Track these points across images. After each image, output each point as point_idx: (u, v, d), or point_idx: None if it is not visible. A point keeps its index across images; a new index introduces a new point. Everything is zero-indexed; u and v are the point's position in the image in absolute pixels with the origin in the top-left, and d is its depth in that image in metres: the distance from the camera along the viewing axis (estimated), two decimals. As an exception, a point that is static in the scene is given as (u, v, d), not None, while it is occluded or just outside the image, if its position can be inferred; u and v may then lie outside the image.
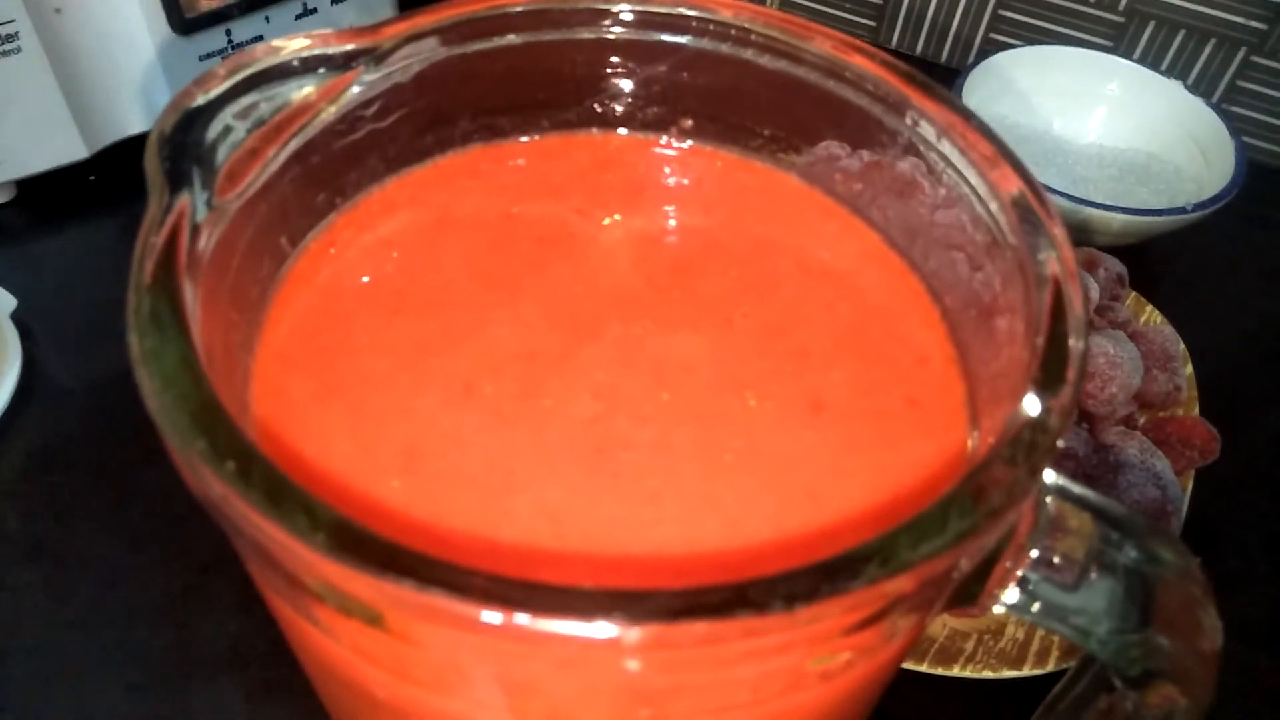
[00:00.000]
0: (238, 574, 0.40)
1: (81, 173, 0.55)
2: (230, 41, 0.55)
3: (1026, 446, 0.17)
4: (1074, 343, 0.18)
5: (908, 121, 0.24)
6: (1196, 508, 0.44)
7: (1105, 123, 0.63)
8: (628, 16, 0.26)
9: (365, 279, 0.25)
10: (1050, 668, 0.39)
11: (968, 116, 0.23)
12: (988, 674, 0.38)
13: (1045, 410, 0.17)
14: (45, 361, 0.48)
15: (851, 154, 0.27)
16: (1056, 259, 0.20)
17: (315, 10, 0.57)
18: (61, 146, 0.53)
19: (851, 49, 0.25)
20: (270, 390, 0.22)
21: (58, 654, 0.38)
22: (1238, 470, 0.46)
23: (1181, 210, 0.54)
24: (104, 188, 0.57)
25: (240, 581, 0.41)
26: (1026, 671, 0.38)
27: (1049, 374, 0.17)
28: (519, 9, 0.25)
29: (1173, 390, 0.48)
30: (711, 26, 0.26)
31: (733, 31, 0.26)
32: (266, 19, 0.56)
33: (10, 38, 0.48)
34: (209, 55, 0.55)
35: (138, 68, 0.53)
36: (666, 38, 0.26)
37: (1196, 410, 0.49)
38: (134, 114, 0.55)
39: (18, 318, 0.48)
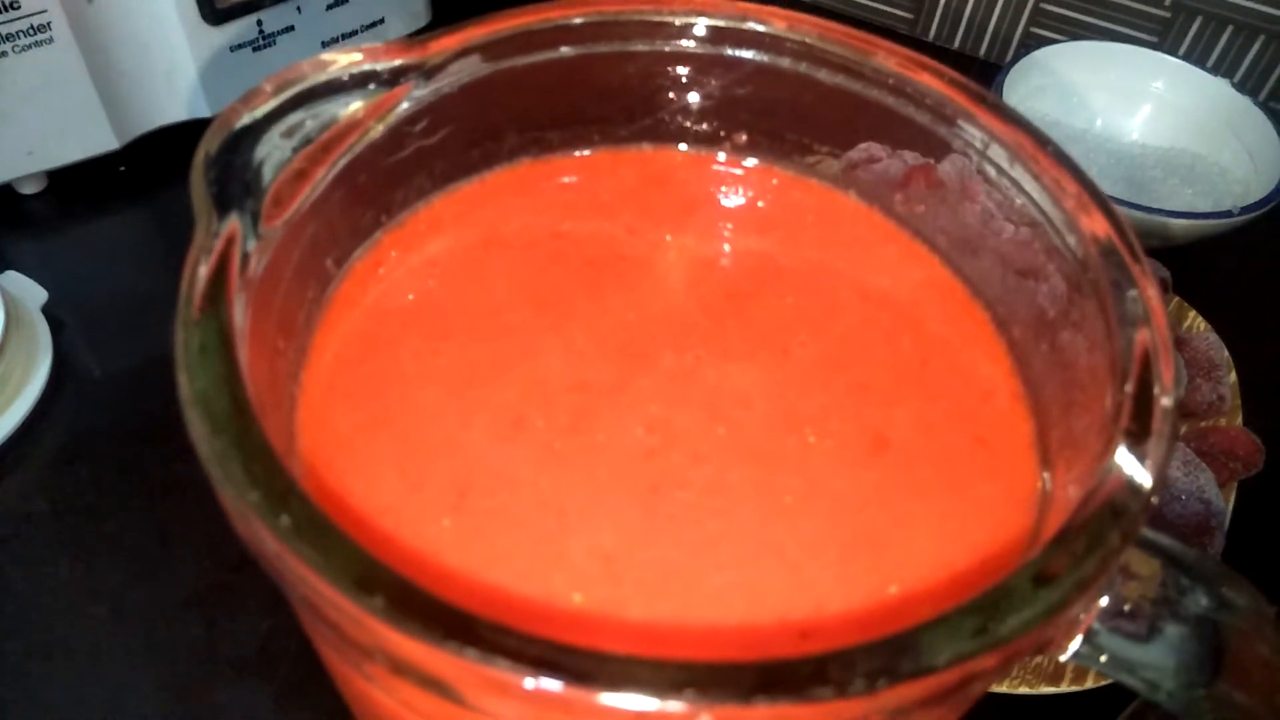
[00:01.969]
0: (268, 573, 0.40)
1: (112, 163, 0.55)
2: (261, 32, 0.54)
3: (1120, 509, 0.16)
4: (1165, 402, 0.17)
5: (976, 144, 0.23)
6: (1239, 520, 0.43)
7: (1149, 121, 0.62)
8: (686, 29, 0.25)
9: (412, 301, 0.24)
10: (1089, 684, 0.38)
11: (1042, 141, 0.22)
12: (1025, 690, 0.38)
13: (1138, 467, 0.16)
14: (76, 354, 0.48)
15: (900, 171, 0.26)
16: (1143, 300, 0.19)
17: (347, 1, 0.56)
18: (92, 137, 0.53)
19: (917, 65, 0.24)
20: (317, 421, 0.22)
21: (86, 649, 0.38)
22: (1280, 481, 0.45)
23: (1227, 214, 0.52)
24: (134, 179, 0.56)
25: (270, 580, 0.41)
26: (1065, 688, 0.38)
27: (1141, 426, 0.17)
28: (574, 21, 0.24)
29: (1216, 400, 0.47)
30: (769, 39, 0.25)
31: (792, 45, 0.25)
32: (298, 9, 0.55)
33: (42, 28, 0.48)
34: (240, 45, 0.54)
35: (169, 58, 0.53)
36: (723, 51, 0.25)
37: (1240, 419, 0.48)
38: (165, 105, 0.55)
39: (48, 310, 0.48)
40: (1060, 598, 0.15)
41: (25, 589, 0.40)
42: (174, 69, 0.53)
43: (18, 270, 0.49)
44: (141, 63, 0.52)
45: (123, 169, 0.56)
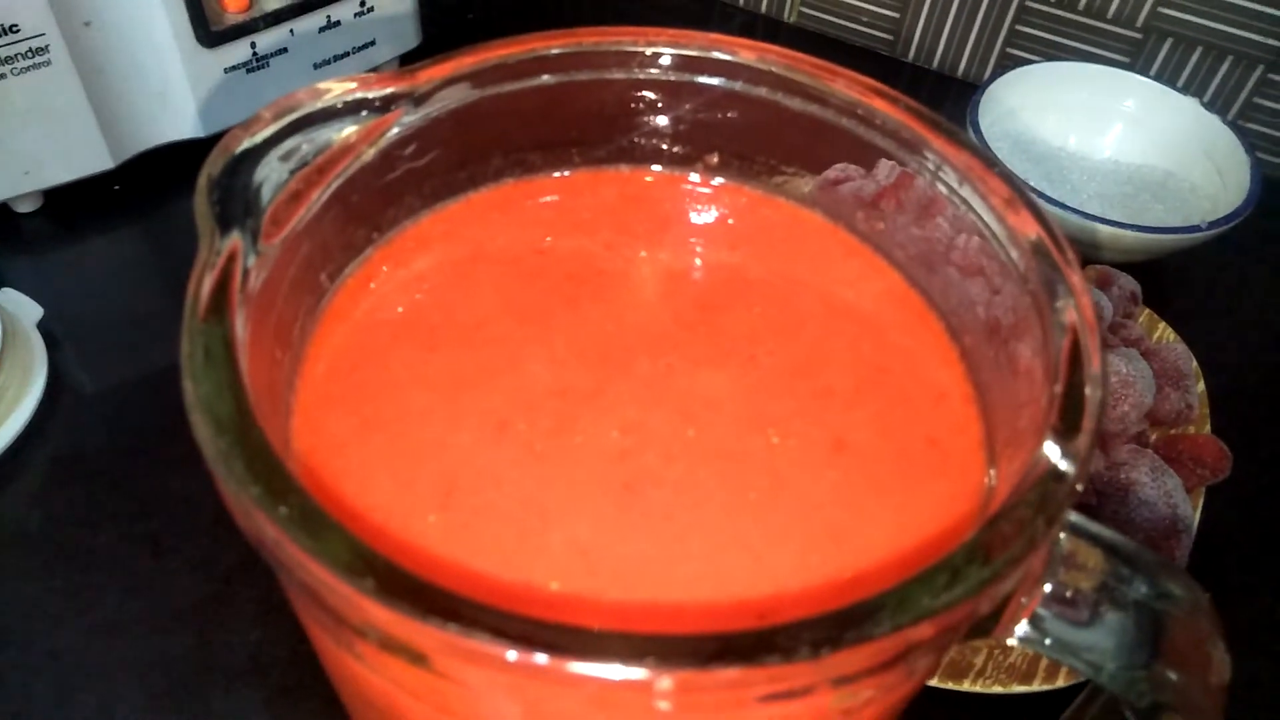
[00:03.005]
0: (260, 582, 0.41)
1: (106, 182, 0.56)
2: (255, 54, 0.56)
3: (1045, 495, 0.17)
4: (1091, 392, 0.18)
5: (930, 165, 0.25)
6: (1206, 525, 0.44)
7: (1121, 139, 0.63)
8: (658, 58, 0.27)
9: (402, 313, 0.26)
10: (1060, 683, 0.39)
11: (989, 162, 0.23)
12: (998, 689, 0.39)
13: (1064, 458, 0.18)
14: (70, 370, 0.49)
15: (873, 192, 0.28)
16: (1074, 308, 0.20)
17: (339, 23, 0.58)
18: (88, 157, 0.54)
19: (874, 92, 0.25)
20: (311, 426, 0.23)
21: (80, 661, 0.39)
22: (1248, 487, 0.46)
23: (1196, 228, 0.54)
24: (129, 197, 0.57)
25: (262, 590, 0.42)
26: (1036, 687, 0.39)
27: (1067, 422, 0.18)
28: (554, 51, 0.25)
29: (1185, 409, 0.48)
30: (738, 68, 0.27)
31: (758, 73, 0.27)
32: (291, 32, 0.56)
33: (40, 50, 0.49)
34: (234, 67, 0.55)
35: (164, 80, 0.54)
36: (695, 78, 0.27)
37: (1208, 428, 0.49)
38: (160, 125, 0.56)
39: (43, 326, 0.49)
40: (990, 573, 0.16)
41: (18, 602, 0.40)
42: (169, 90, 0.54)
43: (13, 287, 0.50)
44: (137, 84, 0.54)
45: (117, 188, 0.57)
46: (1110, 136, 0.63)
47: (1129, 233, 0.53)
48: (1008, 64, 0.66)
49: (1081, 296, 0.20)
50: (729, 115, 0.28)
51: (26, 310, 0.49)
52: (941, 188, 0.24)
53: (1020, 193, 0.22)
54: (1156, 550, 0.33)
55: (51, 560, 0.42)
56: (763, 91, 0.27)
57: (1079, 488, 0.17)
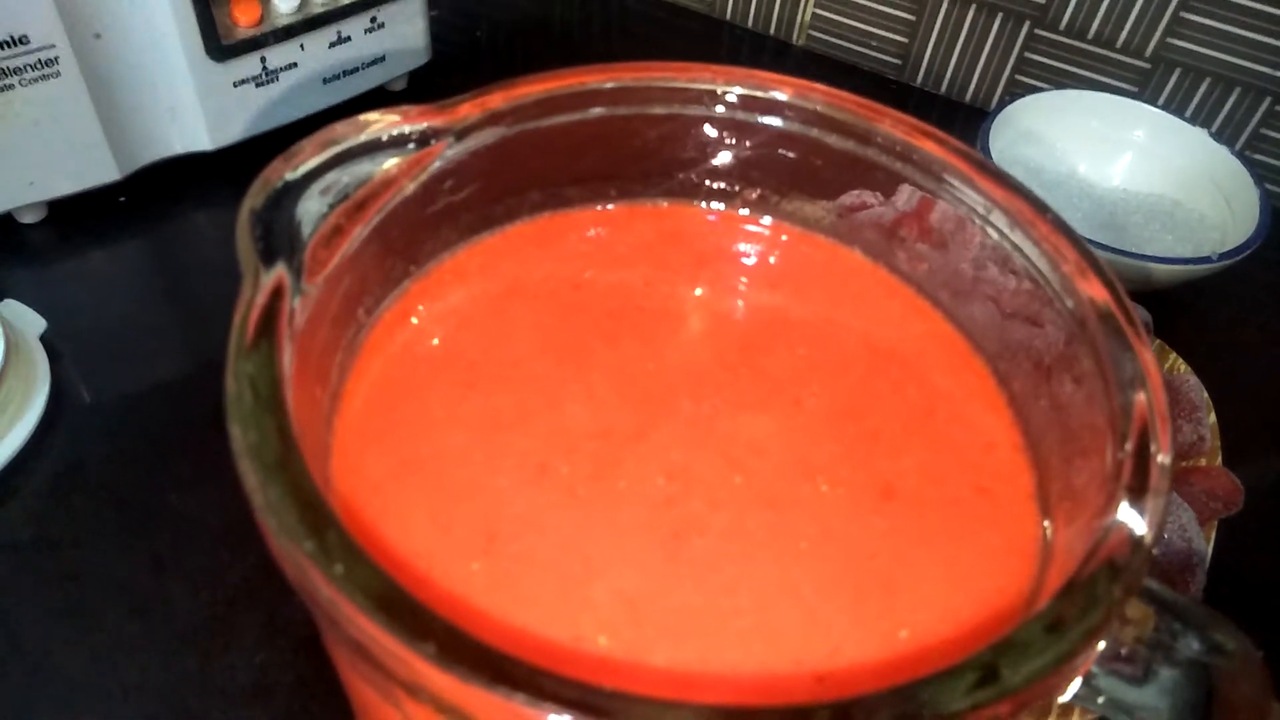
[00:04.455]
0: (264, 604, 0.41)
1: (112, 194, 0.55)
2: (265, 68, 0.55)
3: (1124, 563, 0.17)
4: (1163, 460, 0.18)
5: (979, 208, 0.24)
6: (1219, 558, 0.44)
7: (1130, 168, 0.63)
8: (701, 94, 0.26)
9: (438, 347, 0.25)
10: (1074, 720, 0.39)
11: (1041, 209, 0.23)
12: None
13: (1139, 522, 0.17)
14: (72, 383, 0.48)
15: (892, 218, 0.27)
16: (1142, 378, 0.20)
17: (349, 39, 0.57)
18: (94, 168, 0.53)
19: (922, 134, 0.25)
20: (350, 467, 0.22)
21: (80, 683, 0.38)
22: (1260, 519, 0.46)
23: (1207, 259, 0.54)
24: (134, 210, 0.56)
25: (267, 611, 0.41)
26: (1051, 724, 0.39)
27: (1140, 484, 0.18)
28: (596, 86, 0.25)
29: (1197, 440, 0.48)
30: (779, 105, 0.26)
31: (800, 110, 0.26)
32: (301, 46, 0.56)
33: (50, 62, 0.48)
34: (244, 81, 0.55)
35: (173, 92, 0.53)
36: (737, 115, 0.27)
37: (1220, 459, 0.49)
38: (168, 138, 0.55)
39: (46, 339, 0.48)
40: (1069, 647, 0.16)
41: (16, 621, 0.40)
42: (178, 103, 0.54)
43: (16, 299, 0.50)
44: (146, 96, 0.53)
45: (123, 200, 0.56)
46: (1120, 165, 0.63)
47: (1139, 262, 0.53)
48: (1016, 91, 0.66)
49: (1144, 354, 0.20)
50: (770, 152, 0.27)
51: (29, 322, 0.49)
52: (991, 231, 0.24)
53: (1078, 244, 0.22)
54: (1172, 586, 0.33)
55: (51, 578, 0.41)
56: (805, 129, 0.26)
57: (1155, 553, 0.17)
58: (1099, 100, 0.63)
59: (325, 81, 0.58)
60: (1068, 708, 0.39)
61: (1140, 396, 0.19)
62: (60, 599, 0.41)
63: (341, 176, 0.22)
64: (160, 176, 0.56)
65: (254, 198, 0.21)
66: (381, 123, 0.23)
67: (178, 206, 0.57)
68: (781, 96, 0.26)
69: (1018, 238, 0.23)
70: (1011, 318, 0.24)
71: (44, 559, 0.42)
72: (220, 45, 0.52)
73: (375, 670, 0.17)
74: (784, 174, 0.28)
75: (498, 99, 0.24)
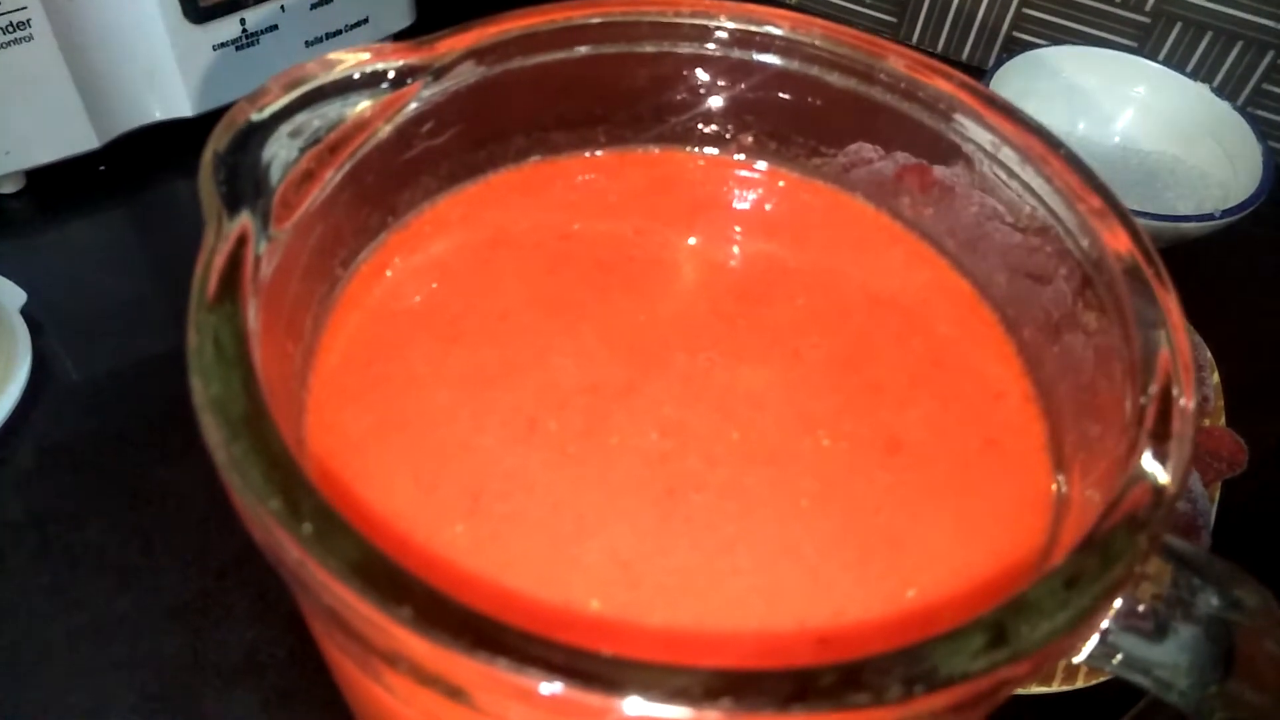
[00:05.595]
0: (255, 579, 0.40)
1: (91, 163, 0.54)
2: (244, 30, 0.54)
3: (1147, 515, 0.16)
4: (1185, 404, 0.17)
5: (986, 146, 0.23)
6: (1223, 518, 0.43)
7: (1131, 125, 0.62)
8: (690, 30, 0.25)
9: (419, 302, 0.24)
10: (1079, 684, 0.38)
11: (1054, 144, 0.22)
12: (1018, 690, 0.38)
13: (1163, 471, 0.16)
14: (55, 356, 0.47)
15: (892, 171, 0.26)
16: (1166, 327, 0.19)
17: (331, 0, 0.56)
18: (72, 136, 0.52)
19: (927, 68, 0.24)
20: (326, 425, 0.21)
21: (69, 660, 0.38)
22: (1264, 479, 0.45)
23: (1209, 216, 0.53)
24: (114, 178, 0.55)
25: (257, 587, 0.40)
26: (1056, 688, 0.38)
27: (1164, 432, 0.17)
28: (582, 21, 0.24)
29: (1200, 400, 0.47)
30: (777, 41, 0.25)
31: (799, 47, 0.25)
32: (282, 8, 0.54)
33: (22, 25, 0.47)
34: (223, 44, 0.53)
35: (151, 56, 0.52)
36: (732, 53, 0.25)
37: (1224, 420, 0.48)
38: (146, 104, 0.54)
39: (26, 312, 0.47)
40: (1088, 603, 0.15)
41: (4, 598, 0.39)
42: (156, 67, 0.52)
43: (-4, 271, 0.48)
44: (123, 61, 0.51)
45: (103, 168, 0.55)
46: (1120, 122, 0.62)
47: (1140, 220, 0.52)
48: (1014, 48, 0.64)
49: (1168, 299, 0.19)
50: (767, 93, 0.26)
51: (9, 295, 0.48)
52: (1000, 171, 0.23)
53: (1097, 185, 0.20)
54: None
55: (38, 555, 0.40)
56: (803, 67, 0.25)
57: (1178, 504, 0.16)
58: (1098, 56, 0.62)
59: (308, 44, 0.57)
60: (1073, 669, 0.38)
61: (1163, 340, 0.18)
62: (48, 575, 0.40)
63: (312, 119, 0.21)
64: (141, 144, 0.55)
65: (217, 140, 0.20)
66: (352, 60, 0.21)
67: (160, 175, 0.56)
68: (778, 31, 0.25)
69: (1028, 175, 0.22)
70: (1021, 263, 0.23)
71: (29, 536, 0.41)
72: (198, 7, 0.51)
73: (351, 640, 0.16)
74: (781, 115, 0.27)
75: (477, 35, 0.23)
